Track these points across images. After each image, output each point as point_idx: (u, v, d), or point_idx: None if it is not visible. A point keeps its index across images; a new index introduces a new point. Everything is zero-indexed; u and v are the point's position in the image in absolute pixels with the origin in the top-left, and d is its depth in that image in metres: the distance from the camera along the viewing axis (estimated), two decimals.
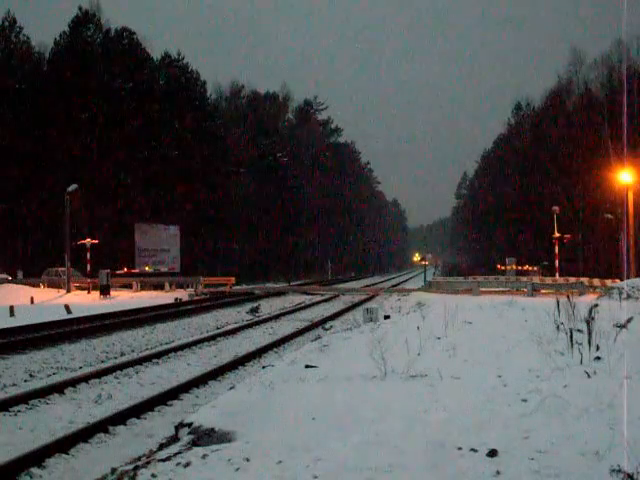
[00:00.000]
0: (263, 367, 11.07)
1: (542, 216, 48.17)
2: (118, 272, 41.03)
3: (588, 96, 51.38)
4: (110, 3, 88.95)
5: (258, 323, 21.55)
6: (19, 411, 9.07)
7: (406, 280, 75.67)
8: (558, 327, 9.65)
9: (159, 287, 39.97)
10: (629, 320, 9.44)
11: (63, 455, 7.09)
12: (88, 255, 37.89)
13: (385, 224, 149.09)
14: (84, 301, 30.34)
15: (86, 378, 11.17)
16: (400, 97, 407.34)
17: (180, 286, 41.10)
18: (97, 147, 46.37)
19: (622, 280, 25.04)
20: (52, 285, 37.54)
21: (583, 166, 46.14)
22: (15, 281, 37.64)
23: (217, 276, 44.07)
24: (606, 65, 48.82)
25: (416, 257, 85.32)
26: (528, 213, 56.43)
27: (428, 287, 34.92)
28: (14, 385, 11.04)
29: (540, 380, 7.14)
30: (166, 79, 57.60)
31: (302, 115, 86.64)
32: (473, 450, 4.72)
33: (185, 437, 6.05)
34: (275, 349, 15.35)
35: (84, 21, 52.11)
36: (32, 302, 28.64)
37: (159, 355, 13.99)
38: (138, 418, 8.73)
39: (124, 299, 31.97)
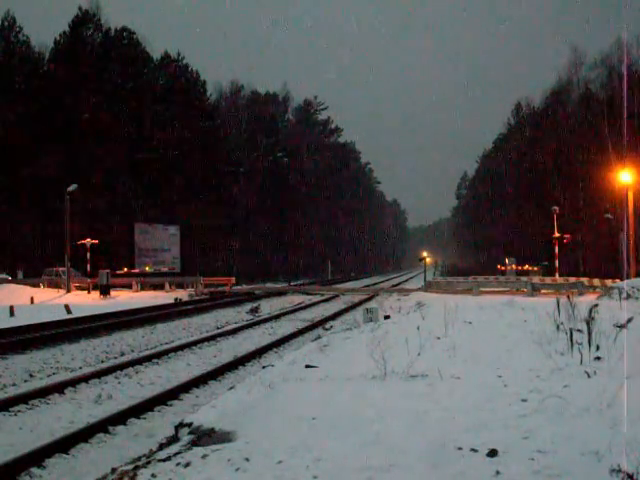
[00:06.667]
0: (263, 367, 11.07)
1: (542, 216, 48.16)
2: (118, 272, 41.03)
3: (588, 96, 51.36)
4: (110, 3, 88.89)
5: (258, 323, 21.56)
6: (19, 411, 9.07)
7: (406, 280, 75.65)
8: (558, 327, 9.66)
9: (159, 287, 39.96)
10: (629, 320, 9.44)
11: (63, 455, 7.09)
12: (88, 255, 37.89)
13: (385, 224, 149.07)
14: (84, 301, 30.33)
15: (86, 378, 11.17)
16: (400, 97, 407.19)
17: (180, 286, 41.08)
18: (97, 147, 46.32)
19: (622, 280, 25.02)
20: (52, 285, 37.54)
21: (583, 166, 46.13)
22: (15, 281, 37.64)
23: (217, 276, 44.07)
24: (606, 65, 48.80)
25: (416, 257, 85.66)
26: (528, 213, 56.42)
27: (428, 287, 34.92)
28: (14, 385, 11.04)
29: (540, 380, 7.15)
30: (166, 79, 57.60)
31: (302, 115, 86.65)
32: (473, 450, 4.72)
33: (185, 437, 6.05)
34: (275, 349, 15.35)
35: (84, 21, 52.08)
36: (32, 302, 28.63)
37: (159, 355, 14.00)
38: (138, 418, 8.73)
39: (124, 299, 31.96)
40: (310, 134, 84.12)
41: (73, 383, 10.74)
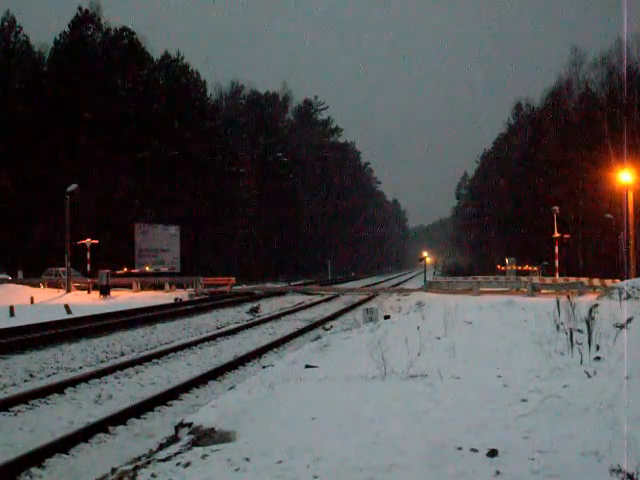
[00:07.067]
0: (263, 367, 11.08)
1: (542, 216, 48.18)
2: (118, 272, 41.01)
3: (588, 96, 51.39)
4: (110, 3, 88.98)
5: (258, 323, 21.55)
6: (19, 411, 9.07)
7: (406, 280, 75.65)
8: (558, 327, 9.65)
9: (159, 287, 39.96)
10: (629, 320, 9.44)
11: (63, 455, 7.09)
12: (88, 255, 37.88)
13: (385, 224, 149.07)
14: (84, 301, 30.33)
15: (86, 378, 11.17)
16: (400, 97, 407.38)
17: (180, 286, 41.07)
18: (97, 147, 46.35)
19: (622, 280, 25.04)
20: (52, 285, 37.53)
21: (583, 166, 46.15)
22: (15, 281, 37.62)
23: (217, 276, 44.06)
24: (606, 65, 48.86)
25: (416, 257, 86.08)
26: (528, 213, 56.44)
27: (428, 287, 34.93)
28: (14, 385, 11.04)
29: (540, 380, 7.14)
30: (166, 79, 57.62)
31: (302, 115, 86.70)
32: (473, 450, 4.72)
33: (185, 437, 6.05)
34: (275, 349, 15.35)
35: (84, 21, 52.14)
36: (32, 302, 28.62)
37: (159, 355, 13.99)
38: (138, 418, 8.73)
39: (124, 299, 31.96)
40: (310, 134, 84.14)
41: (73, 383, 10.74)
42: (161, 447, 6.33)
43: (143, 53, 54.75)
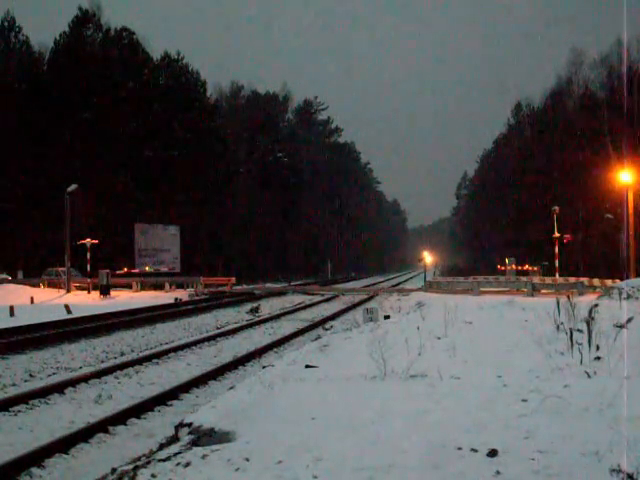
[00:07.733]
0: (263, 367, 11.08)
1: (542, 216, 48.18)
2: (118, 272, 41.00)
3: (588, 96, 51.42)
4: (110, 3, 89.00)
5: (258, 323, 21.56)
6: (19, 411, 9.07)
7: (406, 280, 75.66)
8: (558, 327, 9.66)
9: (159, 287, 39.95)
10: (629, 320, 9.44)
11: (63, 455, 7.09)
12: (88, 255, 37.87)
13: (385, 224, 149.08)
14: (84, 301, 30.32)
15: (86, 378, 11.18)
16: (400, 97, 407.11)
17: (180, 286, 41.06)
18: (97, 147, 46.33)
19: (622, 280, 25.03)
20: (52, 285, 37.52)
21: (583, 166, 46.15)
22: (15, 281, 37.61)
23: (217, 276, 44.06)
24: (606, 65, 48.90)
25: (416, 257, 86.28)
26: (528, 213, 56.43)
27: (428, 287, 34.92)
28: (14, 385, 11.04)
29: (540, 380, 7.14)
30: (166, 79, 57.58)
31: (302, 115, 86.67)
32: (473, 450, 4.72)
33: (185, 437, 6.05)
34: (275, 349, 15.36)
35: (84, 21, 52.12)
36: (32, 302, 28.61)
37: (159, 355, 14.00)
38: (138, 418, 8.74)
39: (124, 299, 31.95)
40: (310, 134, 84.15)
41: (73, 383, 10.74)
42: (161, 447, 6.33)
43: (143, 53, 54.72)
